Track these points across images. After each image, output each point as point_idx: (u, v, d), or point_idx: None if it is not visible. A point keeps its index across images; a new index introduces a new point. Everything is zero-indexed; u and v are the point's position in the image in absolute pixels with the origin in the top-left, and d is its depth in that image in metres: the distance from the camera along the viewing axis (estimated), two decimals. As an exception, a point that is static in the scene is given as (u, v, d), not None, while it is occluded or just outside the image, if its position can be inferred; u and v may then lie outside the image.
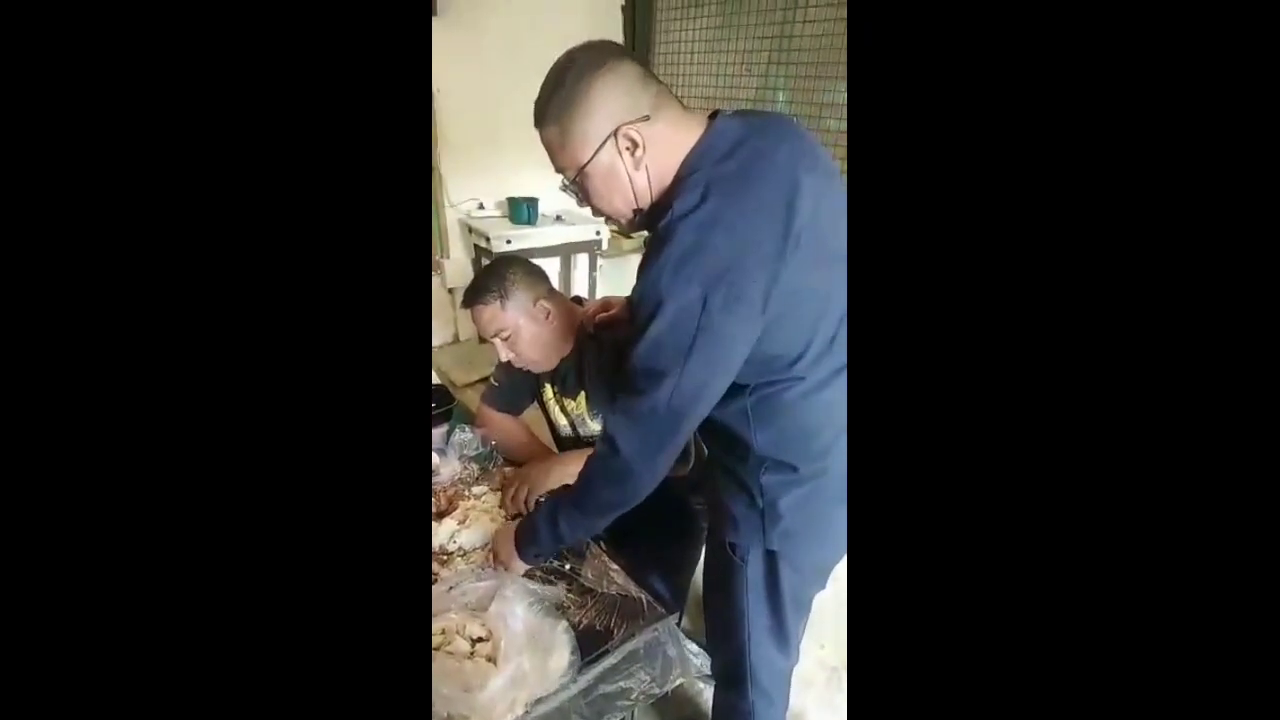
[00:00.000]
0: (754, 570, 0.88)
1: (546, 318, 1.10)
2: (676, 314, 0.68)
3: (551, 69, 0.73)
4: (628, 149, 0.71)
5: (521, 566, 0.93)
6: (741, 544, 0.87)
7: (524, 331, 1.08)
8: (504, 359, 1.12)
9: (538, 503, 1.03)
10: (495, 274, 1.09)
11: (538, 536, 0.89)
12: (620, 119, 0.70)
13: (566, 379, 1.19)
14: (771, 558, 0.86)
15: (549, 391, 1.24)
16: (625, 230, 0.82)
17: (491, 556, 0.98)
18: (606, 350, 1.12)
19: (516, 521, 0.96)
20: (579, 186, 0.75)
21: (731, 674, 1.01)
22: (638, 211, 0.76)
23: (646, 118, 0.71)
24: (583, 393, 1.17)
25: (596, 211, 0.79)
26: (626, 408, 0.75)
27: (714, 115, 0.76)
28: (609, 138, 0.71)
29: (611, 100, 0.70)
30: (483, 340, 1.10)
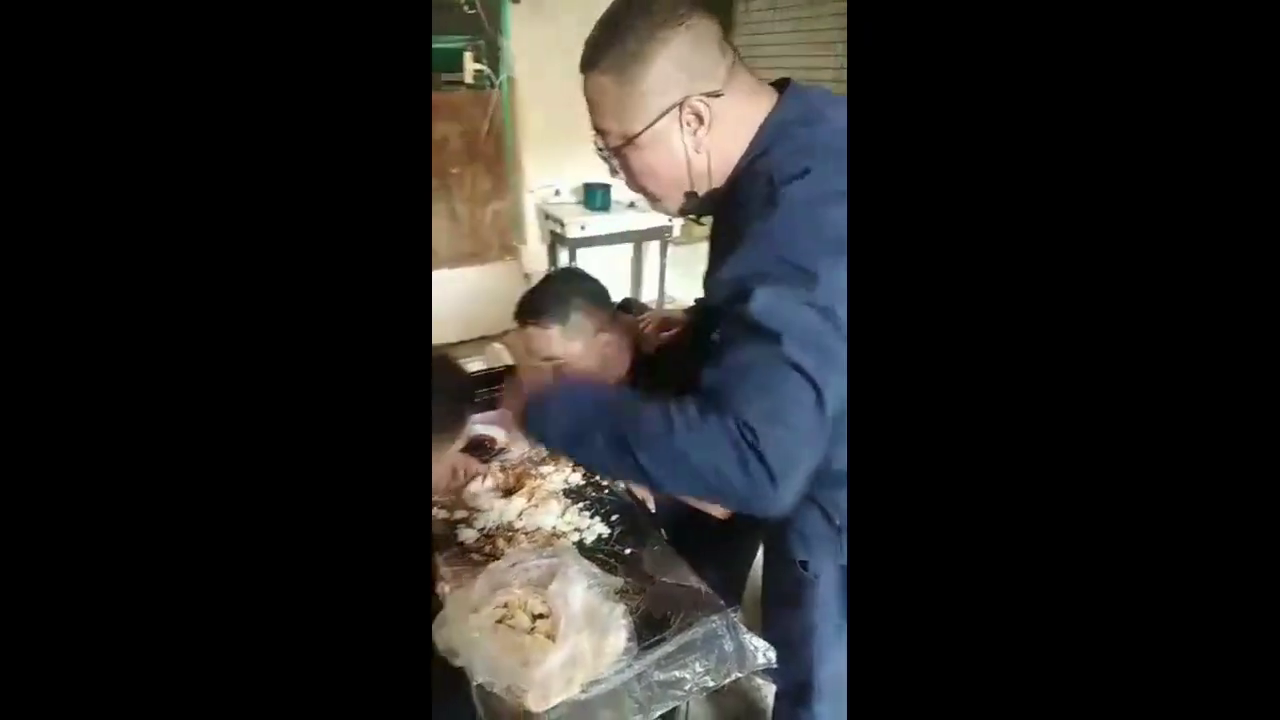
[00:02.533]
0: (826, 587, 0.84)
1: (603, 350, 1.02)
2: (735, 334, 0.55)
3: (615, 4, 0.61)
4: (690, 124, 0.61)
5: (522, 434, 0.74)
6: (814, 561, 0.84)
7: (577, 362, 1.01)
8: (548, 378, 1.05)
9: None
10: (557, 296, 1.00)
11: (546, 418, 0.67)
12: (689, 88, 0.60)
13: None
14: (845, 573, 0.83)
15: None
16: (668, 211, 0.72)
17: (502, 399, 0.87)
18: (670, 378, 1.01)
19: (539, 379, 0.82)
20: (620, 156, 0.65)
21: (796, 687, 0.97)
22: (689, 195, 0.68)
23: (719, 93, 0.61)
24: None
25: (634, 187, 0.68)
26: (707, 399, 0.56)
27: (781, 84, 0.67)
28: (673, 108, 0.61)
29: (684, 64, 0.59)
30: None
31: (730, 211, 0.64)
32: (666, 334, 1.08)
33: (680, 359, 1.03)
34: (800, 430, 0.53)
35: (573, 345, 1.00)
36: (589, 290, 1.03)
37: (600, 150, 0.66)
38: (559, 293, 1.01)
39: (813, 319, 0.53)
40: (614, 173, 0.68)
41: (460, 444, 0.82)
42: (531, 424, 0.69)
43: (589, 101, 0.64)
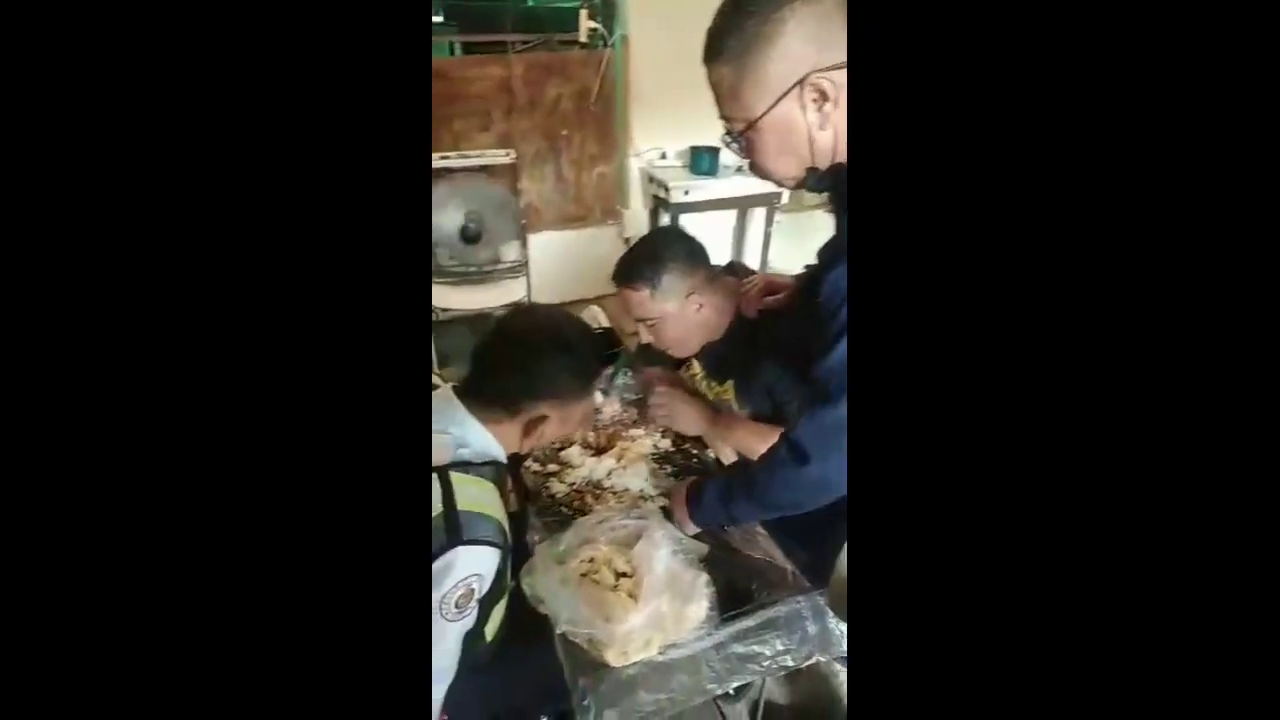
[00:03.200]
0: None
1: (698, 310, 1.02)
2: None
3: None
4: (815, 101, 0.59)
5: (692, 528, 0.93)
6: None
7: (669, 321, 1.02)
8: (644, 341, 1.07)
9: (701, 477, 0.99)
10: (649, 258, 1.01)
11: (704, 508, 0.89)
12: (812, 63, 0.58)
13: (714, 363, 1.12)
14: None
15: (695, 367, 1.18)
16: (789, 188, 0.72)
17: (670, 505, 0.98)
18: (768, 342, 1.01)
19: (689, 481, 0.96)
20: (745, 140, 0.64)
21: None
22: (811, 171, 0.65)
23: (843, 65, 0.57)
24: (731, 381, 1.09)
25: (758, 170, 0.68)
26: (816, 417, 0.69)
27: None
28: (795, 86, 0.59)
29: (805, 39, 0.57)
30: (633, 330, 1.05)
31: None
32: (771, 298, 1.05)
33: (783, 325, 1.00)
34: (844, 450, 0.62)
35: (666, 306, 1.01)
36: (683, 251, 1.01)
37: (726, 137, 0.67)
38: (651, 255, 1.01)
39: None
40: (742, 157, 0.68)
41: (595, 398, 0.87)
42: (696, 521, 0.91)
43: (714, 91, 0.64)
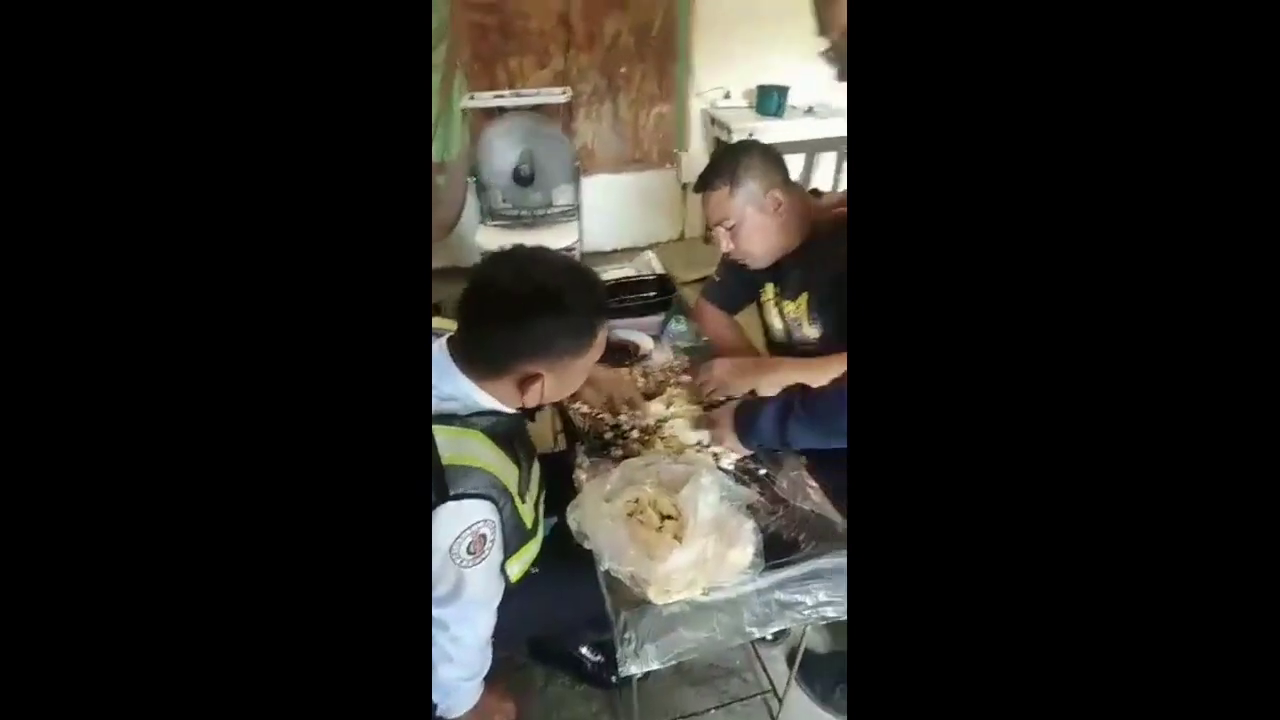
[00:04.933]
0: None
1: (776, 209, 1.02)
2: None
3: None
4: None
5: (735, 443, 0.93)
6: None
7: (749, 221, 1.03)
8: (724, 249, 1.08)
9: (753, 398, 1.01)
10: (728, 159, 1.03)
11: (758, 427, 0.89)
12: None
13: (789, 278, 1.12)
14: None
15: (769, 291, 1.18)
16: None
17: (704, 426, 1.00)
18: (840, 250, 1.00)
19: (739, 402, 0.96)
20: (843, 51, 0.63)
21: None
22: None
23: None
24: (805, 294, 1.09)
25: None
26: None
27: None
28: None
29: None
30: (706, 240, 1.05)
31: None
32: (841, 209, 1.07)
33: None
34: None
35: (743, 204, 1.02)
36: (759, 153, 1.04)
37: (824, 52, 0.66)
38: (729, 156, 1.04)
39: None
40: (840, 77, 0.65)
41: (596, 354, 0.81)
42: (746, 442, 0.93)
43: (814, 5, 0.65)
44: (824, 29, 0.65)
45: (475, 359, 0.76)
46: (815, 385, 0.92)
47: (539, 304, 0.72)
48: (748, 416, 0.91)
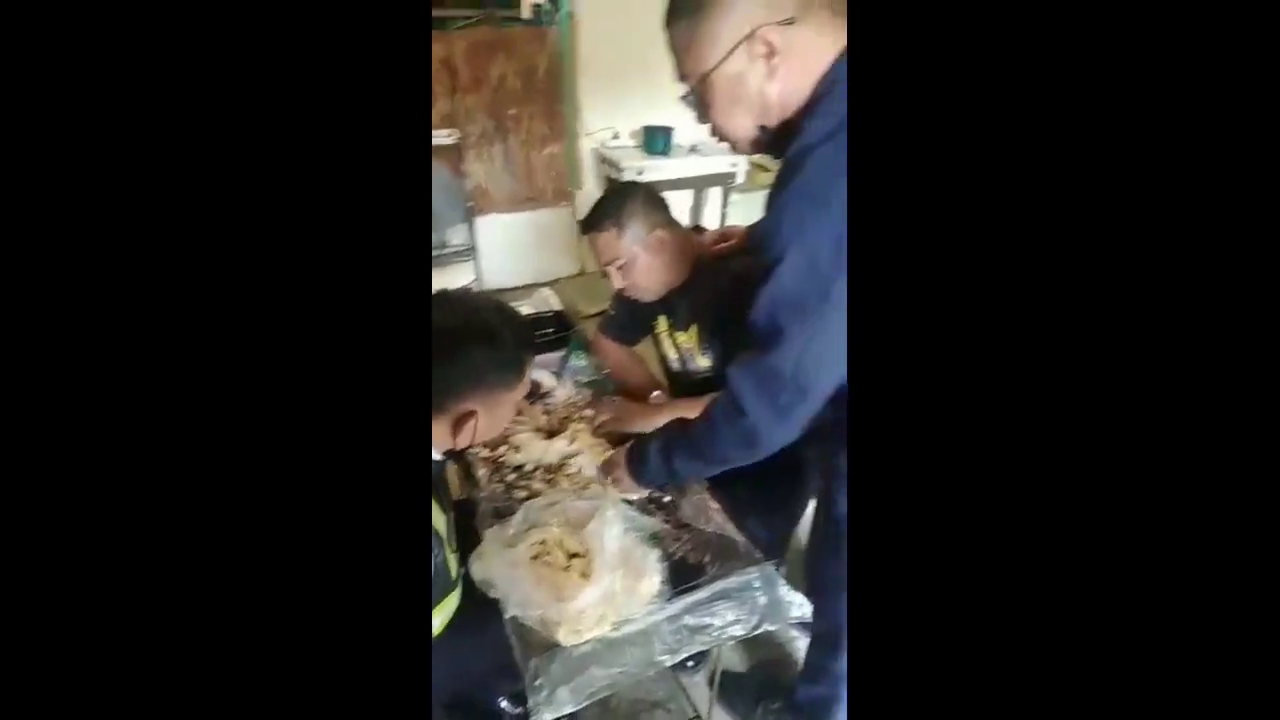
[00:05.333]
0: None
1: (660, 248, 1.07)
2: (798, 267, 0.61)
3: None
4: (763, 55, 0.62)
5: (630, 485, 0.95)
6: None
7: (638, 261, 1.07)
8: (616, 286, 1.12)
9: (639, 438, 1.03)
10: (613, 202, 1.07)
11: (648, 465, 0.90)
12: (760, 19, 0.61)
13: (679, 310, 1.17)
14: None
15: (662, 324, 1.23)
16: (747, 151, 0.75)
17: (600, 471, 1.01)
18: (722, 282, 1.07)
19: (628, 445, 0.98)
20: (699, 96, 0.68)
21: (830, 639, 1.00)
22: (763, 130, 0.68)
23: (791, 20, 0.60)
24: (694, 326, 1.14)
25: (715, 130, 0.71)
26: (750, 365, 0.71)
27: None
28: (743, 40, 0.62)
29: None
30: (604, 275, 1.08)
31: (792, 150, 0.63)
32: (723, 244, 1.14)
33: (734, 268, 1.06)
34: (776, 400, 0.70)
35: (630, 245, 1.06)
36: (644, 196, 1.08)
37: (683, 97, 0.69)
38: (614, 199, 1.08)
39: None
40: (699, 118, 0.71)
41: (524, 389, 0.82)
42: (636, 479, 0.93)
43: (672, 52, 0.67)
44: (684, 73, 0.68)
45: None
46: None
47: (471, 340, 0.74)
48: (638, 458, 0.93)
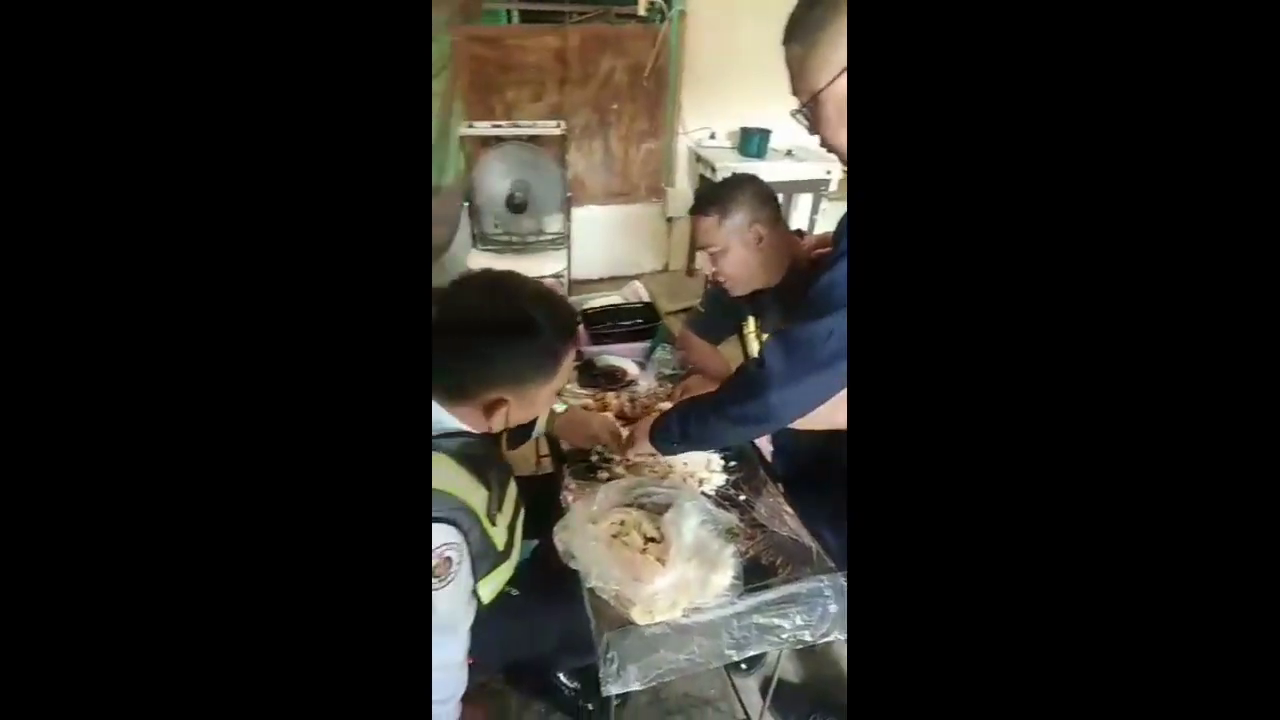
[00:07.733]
0: None
1: (758, 242, 1.08)
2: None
3: None
4: None
5: (646, 447, 0.94)
6: None
7: (732, 251, 1.08)
8: (707, 271, 1.13)
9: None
10: (724, 189, 1.10)
11: (668, 428, 0.91)
12: None
13: (769, 312, 1.17)
14: None
15: (750, 324, 1.23)
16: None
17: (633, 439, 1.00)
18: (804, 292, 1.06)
19: (654, 415, 0.97)
20: (811, 113, 0.71)
21: None
22: None
23: None
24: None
25: (825, 144, 0.73)
26: (788, 329, 0.76)
27: None
28: None
29: None
30: (689, 273, 1.10)
31: None
32: (821, 250, 1.13)
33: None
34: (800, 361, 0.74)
35: (728, 234, 1.07)
36: (753, 188, 1.09)
37: (795, 112, 0.73)
38: (725, 187, 1.10)
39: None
40: (810, 132, 0.73)
41: (562, 380, 0.81)
42: (654, 442, 0.94)
43: (788, 70, 0.71)
44: (797, 90, 0.71)
45: (441, 383, 0.76)
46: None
47: (505, 331, 0.73)
48: (660, 423, 0.93)
